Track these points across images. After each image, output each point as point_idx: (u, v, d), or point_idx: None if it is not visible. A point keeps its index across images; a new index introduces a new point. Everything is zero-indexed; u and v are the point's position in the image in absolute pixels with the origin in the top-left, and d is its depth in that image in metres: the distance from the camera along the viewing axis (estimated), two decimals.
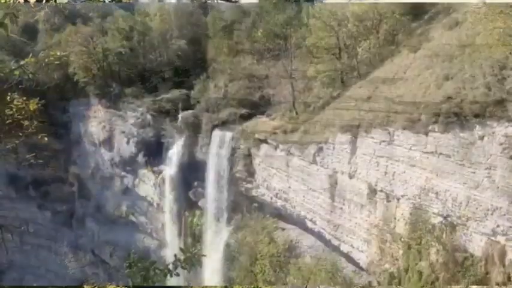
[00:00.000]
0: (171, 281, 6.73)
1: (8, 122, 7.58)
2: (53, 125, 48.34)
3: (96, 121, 52.27)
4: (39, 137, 8.07)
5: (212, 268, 40.25)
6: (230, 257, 40.33)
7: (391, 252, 27.54)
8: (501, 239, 21.78)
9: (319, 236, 34.57)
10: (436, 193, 24.25)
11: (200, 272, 38.11)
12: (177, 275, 6.72)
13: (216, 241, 41.21)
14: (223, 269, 40.36)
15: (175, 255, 6.75)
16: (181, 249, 6.91)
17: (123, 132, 49.80)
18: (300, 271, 32.79)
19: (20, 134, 7.82)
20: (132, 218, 50.80)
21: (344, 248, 31.98)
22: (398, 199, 26.93)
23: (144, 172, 48.69)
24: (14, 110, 7.45)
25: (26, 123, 7.69)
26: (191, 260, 6.61)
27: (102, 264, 51.54)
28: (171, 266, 6.65)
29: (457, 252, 23.36)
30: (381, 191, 27.94)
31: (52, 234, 54.93)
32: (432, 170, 24.45)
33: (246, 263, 38.66)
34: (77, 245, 54.34)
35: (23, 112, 7.63)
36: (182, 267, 6.65)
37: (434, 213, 24.63)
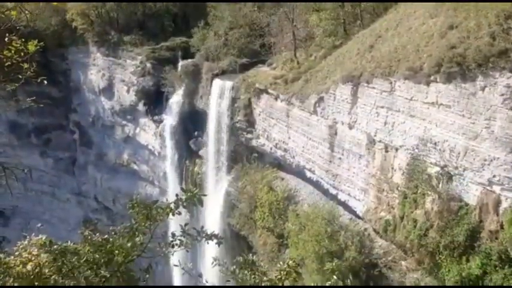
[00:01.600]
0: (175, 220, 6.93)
1: (6, 64, 7.55)
2: (52, 73, 48.02)
3: (95, 69, 51.86)
4: (39, 80, 8.05)
5: (212, 215, 41.27)
6: (230, 205, 41.24)
7: (388, 200, 28.12)
8: (496, 188, 22.18)
9: (317, 185, 35.15)
10: (435, 143, 24.45)
11: (202, 220, 39.03)
12: (179, 213, 6.93)
13: (216, 189, 41.95)
14: (223, 216, 41.38)
15: (176, 195, 6.94)
16: (182, 188, 7.09)
17: (123, 80, 49.53)
18: (298, 218, 33.59)
19: (20, 76, 7.80)
20: (134, 166, 51.49)
21: (341, 196, 32.59)
22: (396, 149, 27.19)
23: (144, 121, 48.87)
24: (13, 51, 7.39)
25: (25, 65, 7.65)
26: (192, 199, 6.79)
27: (106, 210, 52.73)
28: (172, 205, 6.85)
29: (452, 201, 23.85)
30: (380, 141, 28.15)
31: (55, 180, 55.85)
32: (432, 120, 24.53)
33: (245, 210, 39.57)
34: (80, 191, 55.37)
35: (22, 54, 7.57)
36: (184, 207, 6.85)
37: (431, 163, 24.94)
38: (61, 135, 54.83)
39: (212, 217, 41.27)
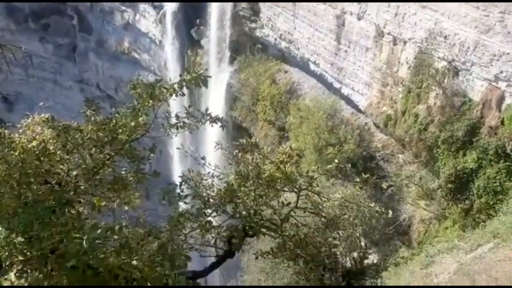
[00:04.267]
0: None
1: None
2: None
3: None
4: None
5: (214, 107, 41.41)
6: (232, 97, 41.20)
7: (391, 95, 28.00)
8: (502, 84, 21.94)
9: (321, 78, 34.77)
10: (445, 37, 23.66)
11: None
12: (182, 94, 6.84)
13: (218, 80, 41.57)
14: (225, 109, 41.53)
15: (180, 75, 6.79)
16: (186, 69, 6.92)
17: None
18: (299, 111, 33.72)
19: None
20: (135, 55, 50.57)
21: (345, 91, 32.39)
22: (405, 42, 26.41)
23: (144, 7, 46.97)
24: None
25: None
26: (196, 80, 6.65)
27: (108, 99, 52.82)
28: (176, 85, 6.73)
29: (456, 96, 23.72)
30: (389, 33, 27.24)
31: (56, 67, 55.25)
32: (444, 12, 23.48)
33: (247, 102, 39.61)
34: (82, 79, 55.10)
35: None
36: (187, 87, 6.74)
37: (439, 57, 24.38)
38: (59, 21, 53.01)
39: (214, 109, 41.37)
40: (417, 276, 18.06)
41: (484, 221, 20.61)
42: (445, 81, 24.05)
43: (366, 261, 25.22)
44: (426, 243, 22.35)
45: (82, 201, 6.59)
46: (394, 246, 24.39)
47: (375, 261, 24.64)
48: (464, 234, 20.55)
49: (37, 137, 6.80)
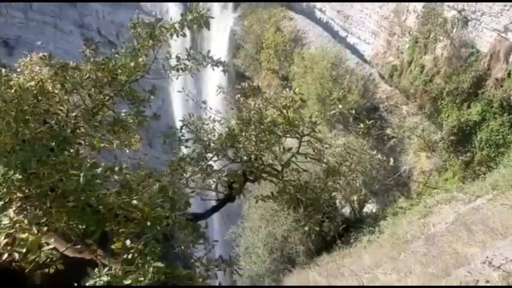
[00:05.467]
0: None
1: None
2: None
3: None
4: None
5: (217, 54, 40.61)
6: (235, 45, 40.43)
7: (398, 45, 27.41)
8: (511, 36, 21.38)
9: (326, 27, 33.96)
10: None
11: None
12: (184, 35, 6.62)
13: (221, 27, 40.61)
14: (228, 57, 40.83)
15: (181, 14, 6.54)
16: (188, 9, 6.66)
17: None
18: (303, 61, 33.18)
19: None
20: None
21: (351, 39, 31.71)
22: None
23: None
24: None
25: None
26: (198, 20, 6.42)
27: (109, 44, 51.93)
28: (177, 25, 6.50)
29: (463, 47, 23.21)
30: None
31: (56, 11, 54.01)
32: None
33: (251, 51, 38.93)
34: (83, 24, 54.02)
35: None
36: (188, 27, 6.51)
37: (449, 6, 23.65)
38: None
39: (216, 57, 40.67)
40: (415, 226, 18.35)
41: (484, 174, 20.71)
42: (454, 31, 23.45)
43: (364, 211, 25.67)
44: (425, 194, 22.58)
45: (82, 142, 6.53)
46: (393, 196, 24.64)
47: (374, 211, 25.07)
48: (463, 186, 20.70)
49: (35, 77, 6.67)
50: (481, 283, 7.29)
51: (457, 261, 10.71)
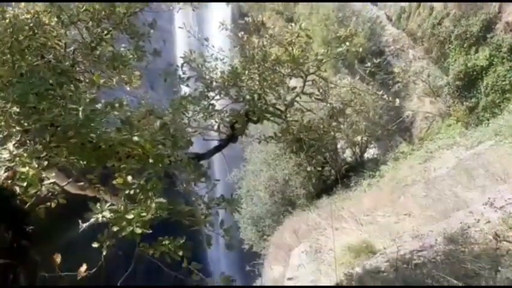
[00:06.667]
0: None
1: None
2: None
3: None
4: None
5: None
6: None
7: None
8: None
9: None
10: None
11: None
12: None
13: None
14: None
15: None
16: None
17: None
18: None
19: None
20: None
21: None
22: None
23: None
24: None
25: None
26: None
27: None
28: None
29: None
30: None
31: None
32: None
33: None
34: None
35: None
36: None
37: None
38: None
39: None
40: (415, 170, 18.45)
41: (487, 119, 20.58)
42: None
43: (365, 156, 25.76)
44: (427, 140, 22.57)
45: (81, 79, 6.37)
46: (395, 142, 24.66)
47: (375, 156, 25.16)
48: (466, 132, 20.63)
49: (31, 11, 6.41)
50: (482, 224, 7.36)
51: (456, 204, 10.83)
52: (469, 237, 7.42)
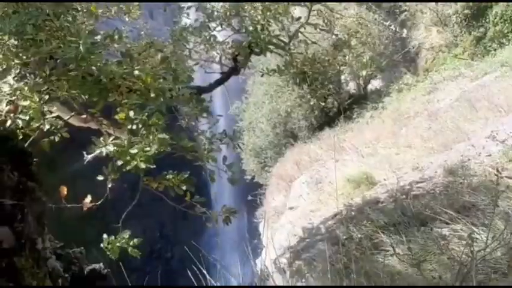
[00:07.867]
0: None
1: None
2: None
3: None
4: None
5: None
6: None
7: None
8: None
9: None
10: None
11: None
12: None
13: None
14: None
15: None
16: None
17: None
18: None
19: None
20: None
21: None
22: None
23: None
24: None
25: None
26: None
27: None
28: None
29: None
30: None
31: None
32: None
33: None
34: None
35: None
36: None
37: None
38: None
39: None
40: (418, 102, 18.36)
41: (494, 50, 20.15)
42: None
43: (369, 87, 25.55)
44: (432, 71, 22.25)
45: (78, 8, 6.15)
46: (399, 73, 24.30)
47: (379, 88, 24.96)
48: (472, 63, 20.29)
49: None
50: (483, 157, 7.43)
51: (458, 136, 10.87)
52: (468, 170, 7.51)
